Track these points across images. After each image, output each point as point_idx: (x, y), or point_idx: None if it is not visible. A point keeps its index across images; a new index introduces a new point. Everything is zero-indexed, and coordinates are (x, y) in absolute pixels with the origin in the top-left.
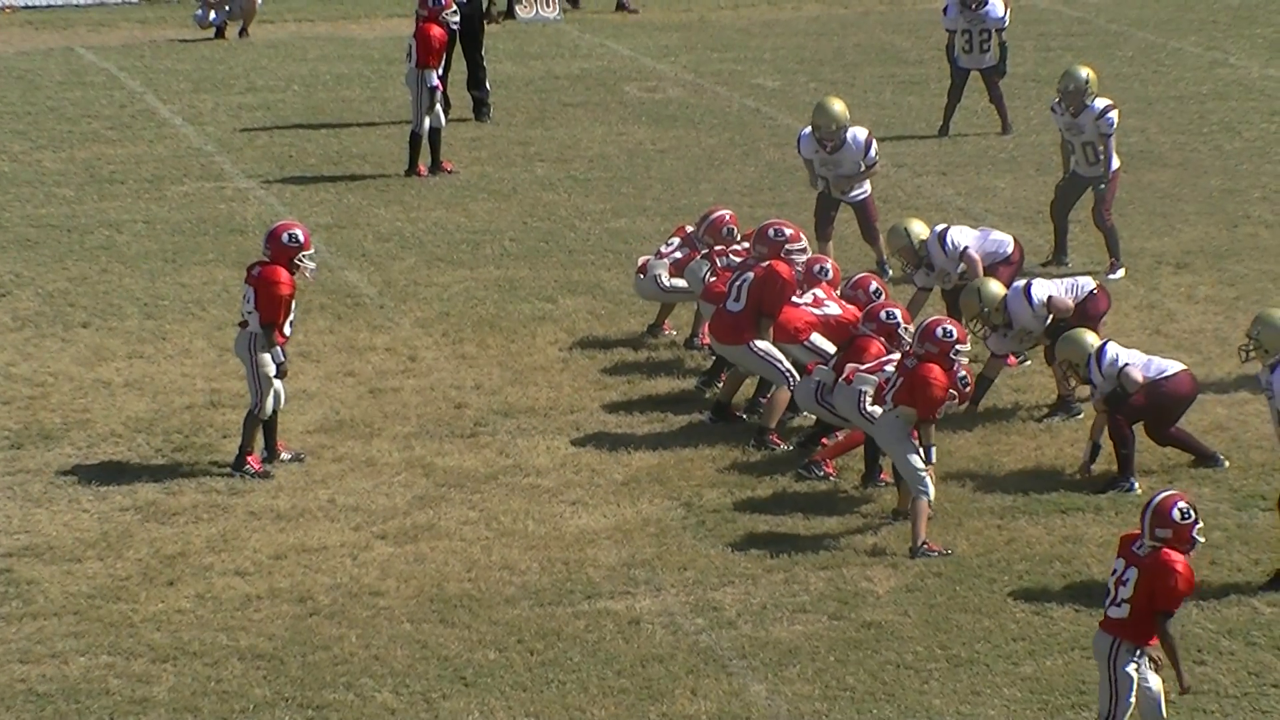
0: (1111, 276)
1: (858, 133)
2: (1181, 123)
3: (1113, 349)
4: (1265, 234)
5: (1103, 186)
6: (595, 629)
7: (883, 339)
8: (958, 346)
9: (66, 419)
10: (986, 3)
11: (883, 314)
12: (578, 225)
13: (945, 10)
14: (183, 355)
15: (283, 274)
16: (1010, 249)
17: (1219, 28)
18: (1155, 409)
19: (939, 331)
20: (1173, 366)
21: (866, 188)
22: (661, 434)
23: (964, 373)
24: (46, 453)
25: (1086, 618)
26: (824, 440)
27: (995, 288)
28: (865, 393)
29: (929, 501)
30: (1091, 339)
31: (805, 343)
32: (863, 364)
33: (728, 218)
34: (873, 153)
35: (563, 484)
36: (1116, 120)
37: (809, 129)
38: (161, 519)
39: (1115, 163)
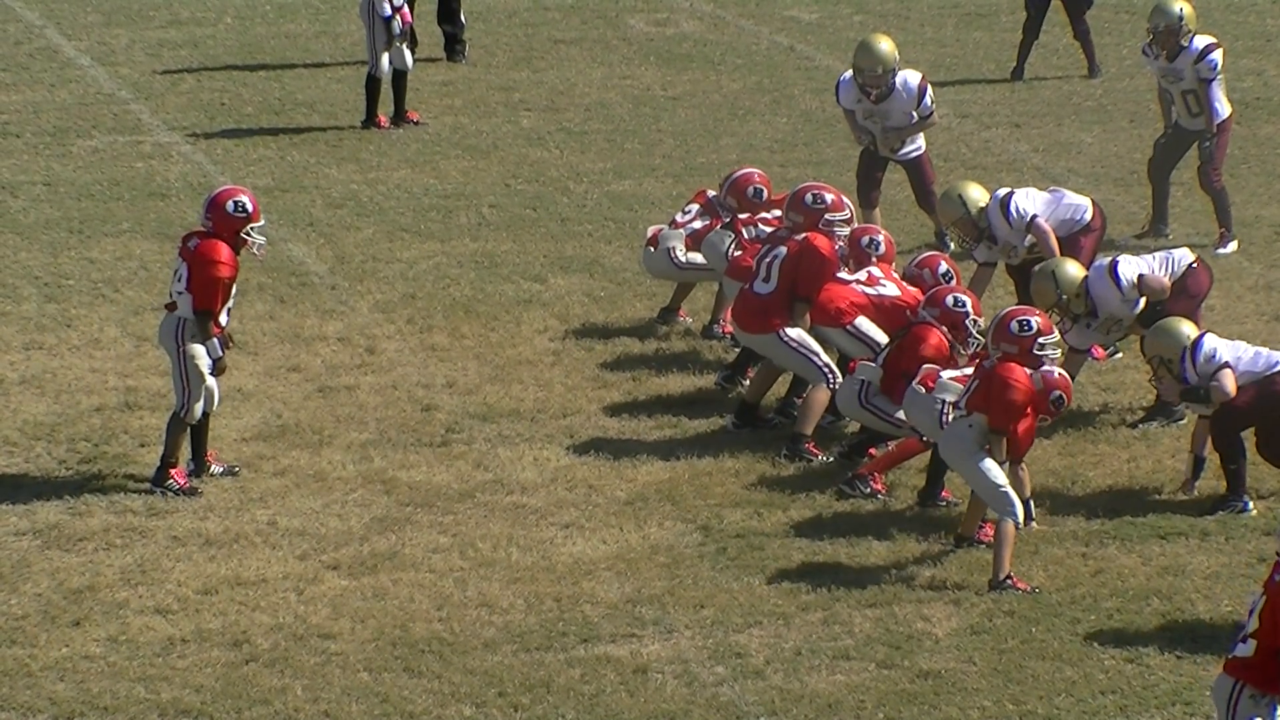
0: (1222, 250)
1: (909, 77)
2: None
3: (1211, 342)
4: None
5: (1209, 142)
6: (593, 679)
7: (945, 329)
8: (1040, 340)
9: None
10: None
11: (949, 299)
12: (572, 188)
13: None
14: (91, 346)
15: (224, 250)
16: (1089, 214)
17: None
18: (1267, 414)
19: (1013, 326)
20: None
21: (920, 143)
22: (673, 443)
23: (1059, 390)
24: None
25: (1190, 666)
26: (871, 451)
27: (1073, 269)
28: (947, 402)
29: (1017, 525)
30: (1188, 329)
31: (849, 327)
32: (920, 356)
33: (756, 178)
34: (927, 100)
35: (554, 503)
36: (1221, 62)
37: (849, 73)
38: (65, 545)
39: (1224, 112)
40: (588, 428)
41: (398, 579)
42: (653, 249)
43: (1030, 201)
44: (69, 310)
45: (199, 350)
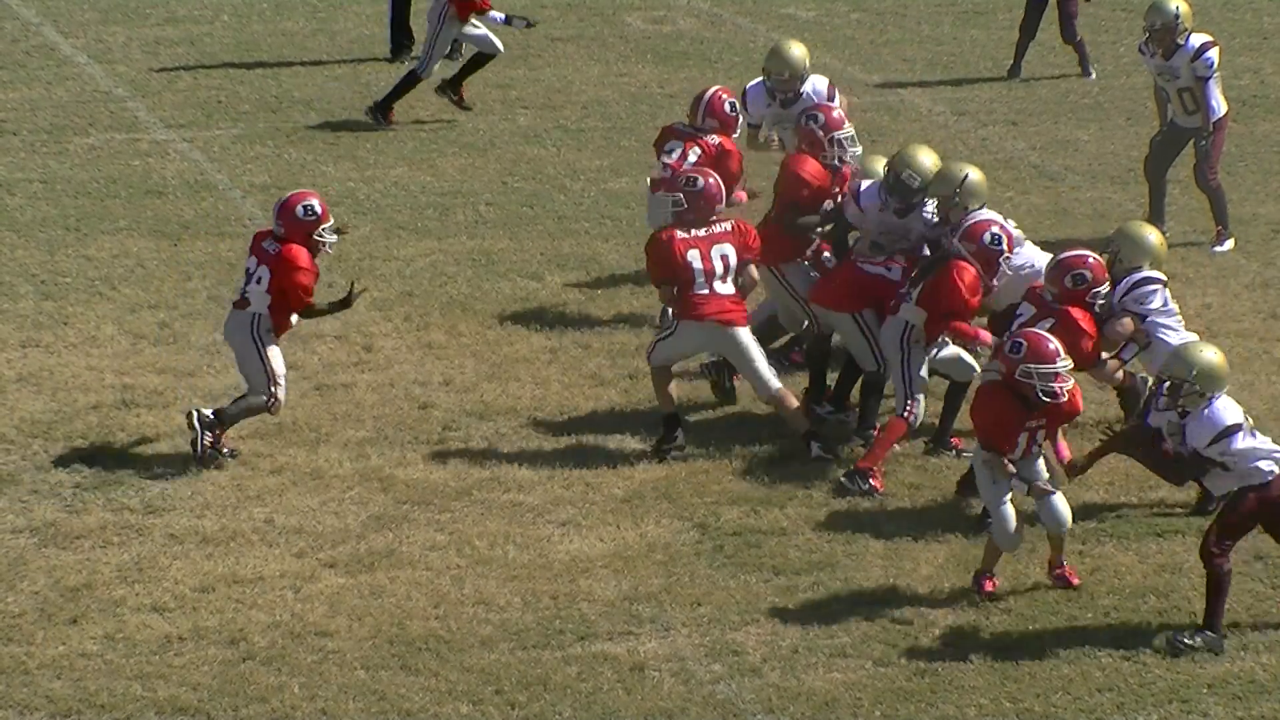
0: (1218, 248)
1: (817, 83)
2: None
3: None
4: None
5: (1205, 140)
6: (590, 677)
7: (979, 265)
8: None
9: None
10: None
11: (986, 235)
12: (569, 186)
13: None
14: (88, 344)
15: (305, 255)
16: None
17: None
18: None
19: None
20: None
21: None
22: None
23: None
24: None
25: (1187, 663)
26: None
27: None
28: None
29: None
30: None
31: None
32: (958, 295)
33: (726, 94)
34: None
35: (550, 501)
36: (1217, 60)
37: (757, 79)
38: (62, 543)
39: (1219, 110)
40: (585, 425)
41: (395, 577)
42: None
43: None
44: (66, 308)
45: (277, 351)
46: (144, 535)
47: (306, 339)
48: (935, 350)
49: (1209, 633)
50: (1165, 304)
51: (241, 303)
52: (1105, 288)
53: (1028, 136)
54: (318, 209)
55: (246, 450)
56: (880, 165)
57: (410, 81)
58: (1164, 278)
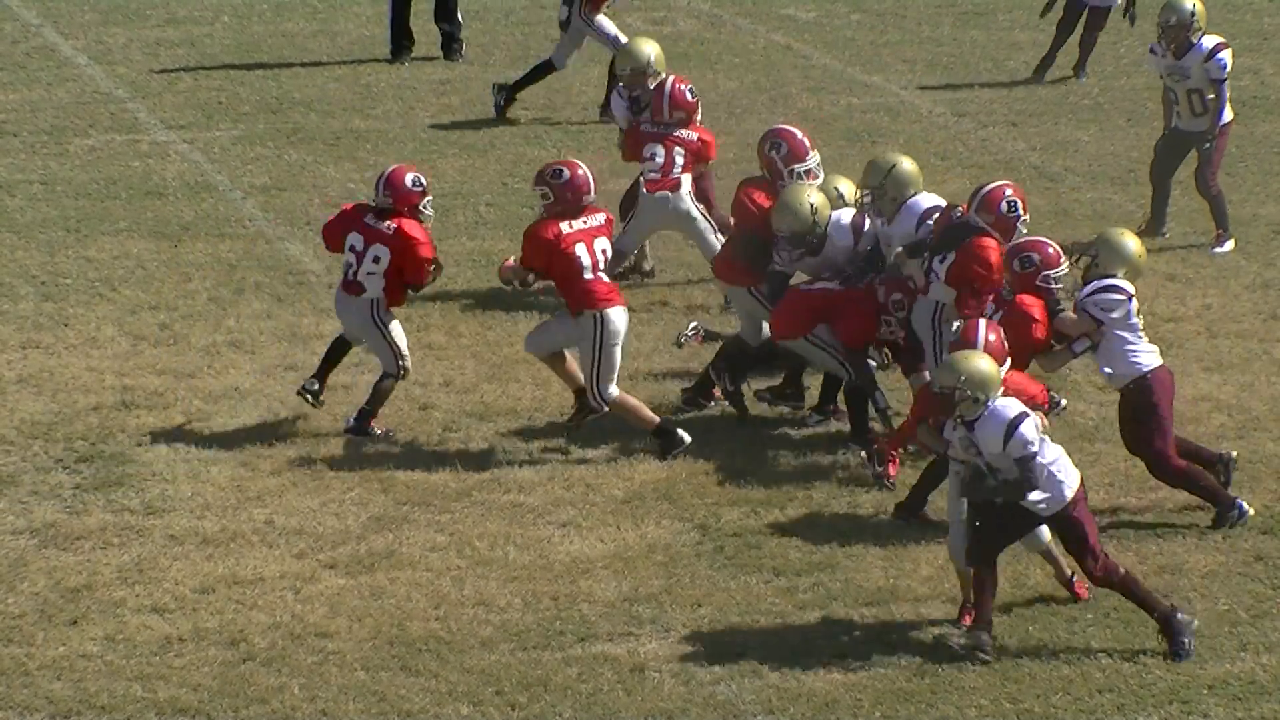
0: (1218, 249)
1: (678, 81)
2: None
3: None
4: None
5: (1209, 144)
6: (590, 678)
7: (999, 235)
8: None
9: None
10: None
11: (1004, 204)
12: None
13: None
14: (88, 345)
15: (420, 228)
16: None
17: None
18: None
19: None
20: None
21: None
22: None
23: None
24: None
25: (1187, 664)
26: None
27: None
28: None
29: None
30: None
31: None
32: (984, 269)
33: (681, 82)
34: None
35: (551, 502)
36: (1230, 62)
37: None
38: (63, 544)
39: (1226, 115)
40: (585, 426)
41: (395, 578)
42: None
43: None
44: (66, 309)
45: (397, 325)
46: (144, 536)
47: (307, 339)
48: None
49: (979, 632)
50: (1128, 316)
51: (355, 287)
52: (1059, 271)
53: (1028, 137)
54: (424, 180)
55: (247, 451)
56: (840, 184)
57: (544, 70)
58: (1132, 290)
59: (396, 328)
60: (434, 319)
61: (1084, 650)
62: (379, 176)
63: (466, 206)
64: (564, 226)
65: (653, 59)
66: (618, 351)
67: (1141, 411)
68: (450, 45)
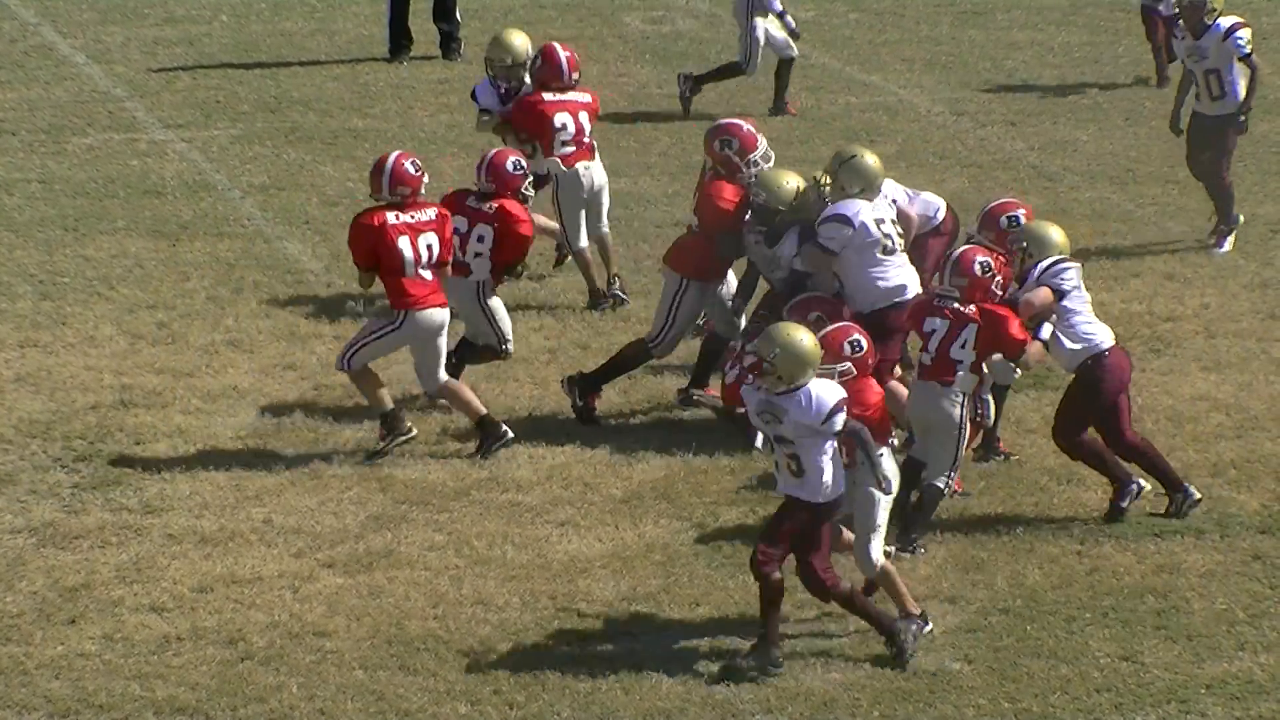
0: (1219, 250)
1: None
2: None
3: None
4: None
5: (1244, 118)
6: (588, 677)
7: (1000, 250)
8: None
9: None
10: None
11: (1003, 219)
12: None
13: None
14: (87, 344)
15: (522, 207)
16: (941, 215)
17: None
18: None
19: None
20: None
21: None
22: (669, 441)
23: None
24: None
25: (1185, 664)
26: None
27: None
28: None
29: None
30: None
31: None
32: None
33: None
34: None
35: (549, 501)
36: (1249, 43)
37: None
38: (61, 543)
39: (1241, 93)
40: (583, 426)
41: (393, 577)
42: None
43: (891, 189)
44: (64, 308)
45: (497, 300)
46: (142, 535)
47: (305, 339)
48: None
49: (768, 647)
50: (1078, 286)
51: (462, 269)
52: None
53: (1026, 137)
54: (524, 163)
55: (245, 450)
56: (786, 178)
57: (732, 71)
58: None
59: (499, 306)
60: None
61: (1082, 650)
62: (480, 162)
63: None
64: (390, 217)
65: (530, 50)
66: (438, 344)
67: (1096, 387)
68: (449, 44)
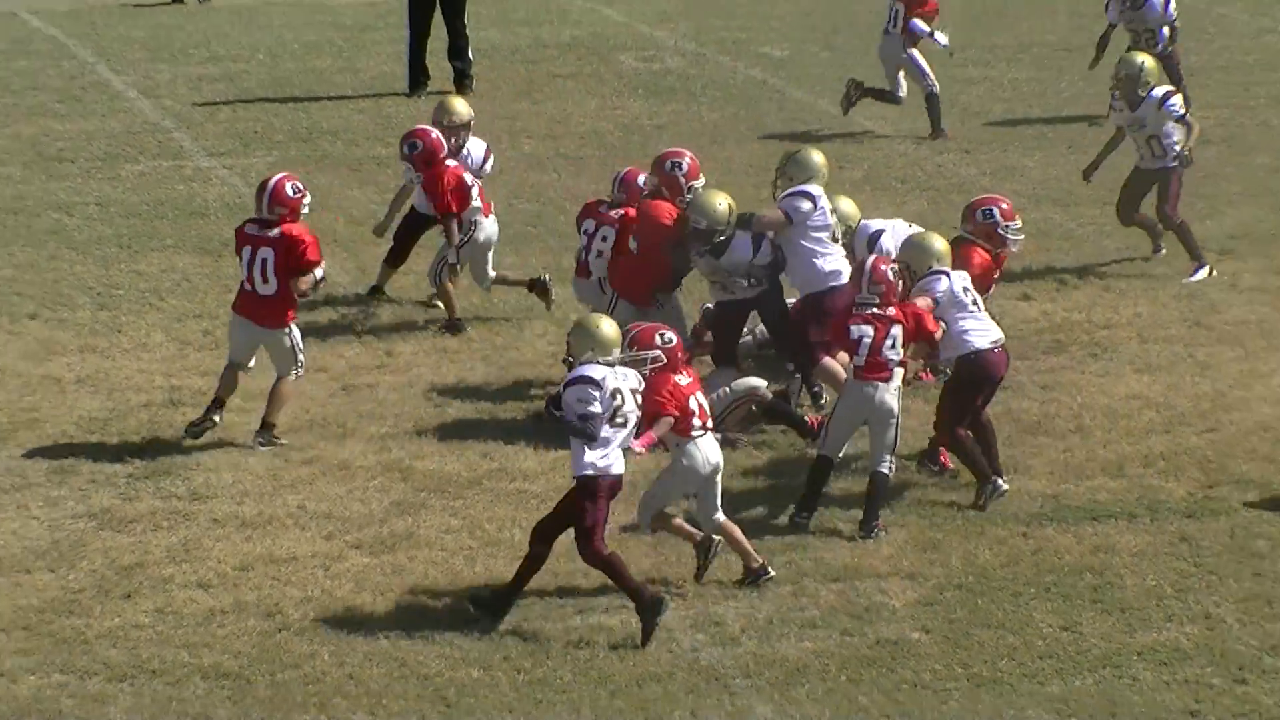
0: (1192, 278)
1: (474, 147)
2: (1226, 96)
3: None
4: None
5: (1183, 164)
6: (587, 646)
7: (984, 241)
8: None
9: (13, 418)
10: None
11: (979, 213)
12: (568, 208)
13: (1106, 7)
14: (139, 349)
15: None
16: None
17: None
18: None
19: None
20: None
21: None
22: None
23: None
24: None
25: (1119, 634)
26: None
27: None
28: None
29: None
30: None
31: None
32: (968, 272)
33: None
34: (489, 165)
35: (552, 489)
36: (1181, 106)
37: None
38: (117, 527)
39: (1176, 148)
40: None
41: (414, 556)
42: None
43: (892, 241)
44: (119, 317)
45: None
46: (190, 520)
47: (334, 344)
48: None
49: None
50: (952, 292)
51: (583, 269)
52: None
53: (979, 163)
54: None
55: (276, 446)
56: (718, 200)
57: (934, 103)
58: (951, 273)
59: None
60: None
61: (1027, 621)
62: (615, 177)
63: None
64: (249, 228)
65: (471, 114)
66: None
67: (957, 380)
68: (461, 80)
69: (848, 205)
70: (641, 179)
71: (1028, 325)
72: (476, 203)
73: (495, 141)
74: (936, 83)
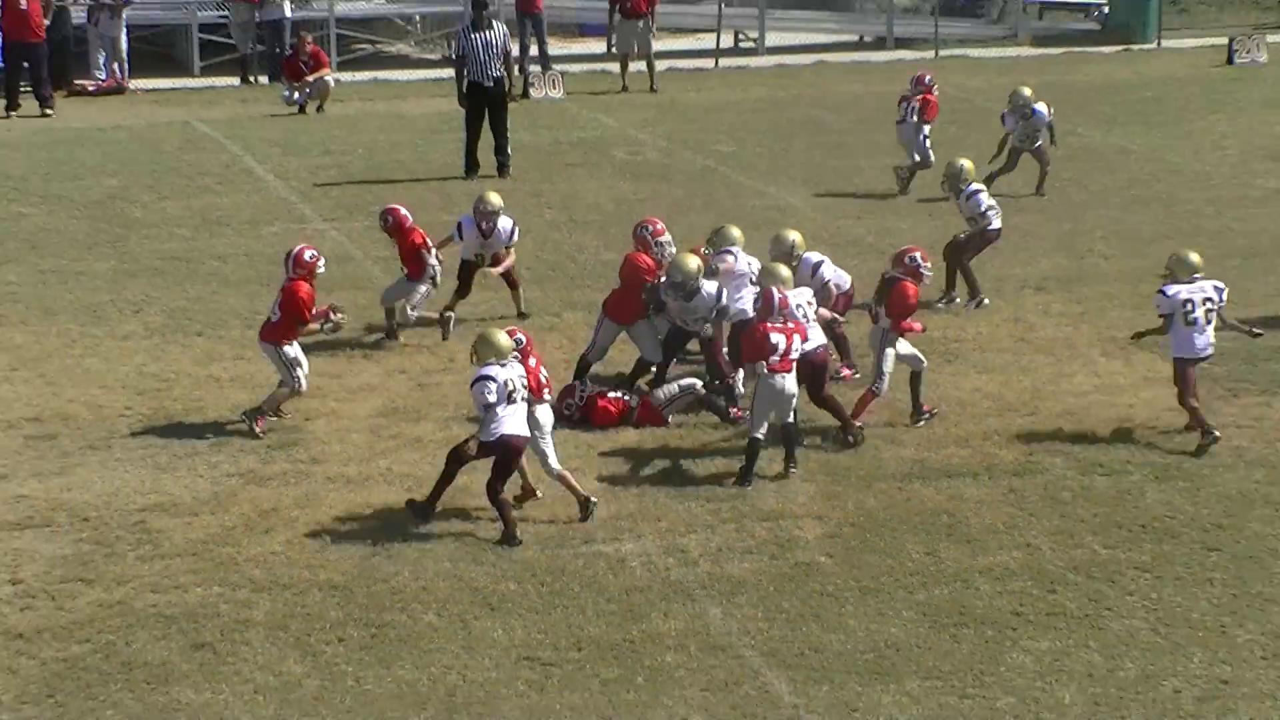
0: (975, 307)
1: (505, 222)
2: (1049, 181)
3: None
4: (1104, 264)
5: (981, 235)
6: (591, 566)
7: (911, 279)
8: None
9: (186, 406)
10: (1033, 110)
11: (907, 259)
12: (577, 257)
13: (1003, 119)
14: None
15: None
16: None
17: (1070, 106)
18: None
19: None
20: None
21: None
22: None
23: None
24: (171, 432)
25: (966, 558)
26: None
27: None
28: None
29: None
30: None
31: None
32: (907, 304)
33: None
34: (515, 236)
35: (566, 456)
36: (985, 201)
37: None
38: (259, 483)
39: (995, 224)
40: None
41: (466, 503)
42: None
43: (830, 271)
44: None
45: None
46: (309, 478)
47: (410, 353)
48: (898, 348)
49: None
50: (801, 308)
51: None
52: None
53: (866, 226)
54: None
55: (373, 424)
56: (691, 261)
57: (914, 172)
58: (776, 290)
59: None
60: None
61: (900, 549)
62: (714, 231)
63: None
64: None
65: (501, 204)
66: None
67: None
68: (502, 168)
69: (795, 235)
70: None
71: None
72: (434, 260)
73: (524, 211)
74: (930, 160)
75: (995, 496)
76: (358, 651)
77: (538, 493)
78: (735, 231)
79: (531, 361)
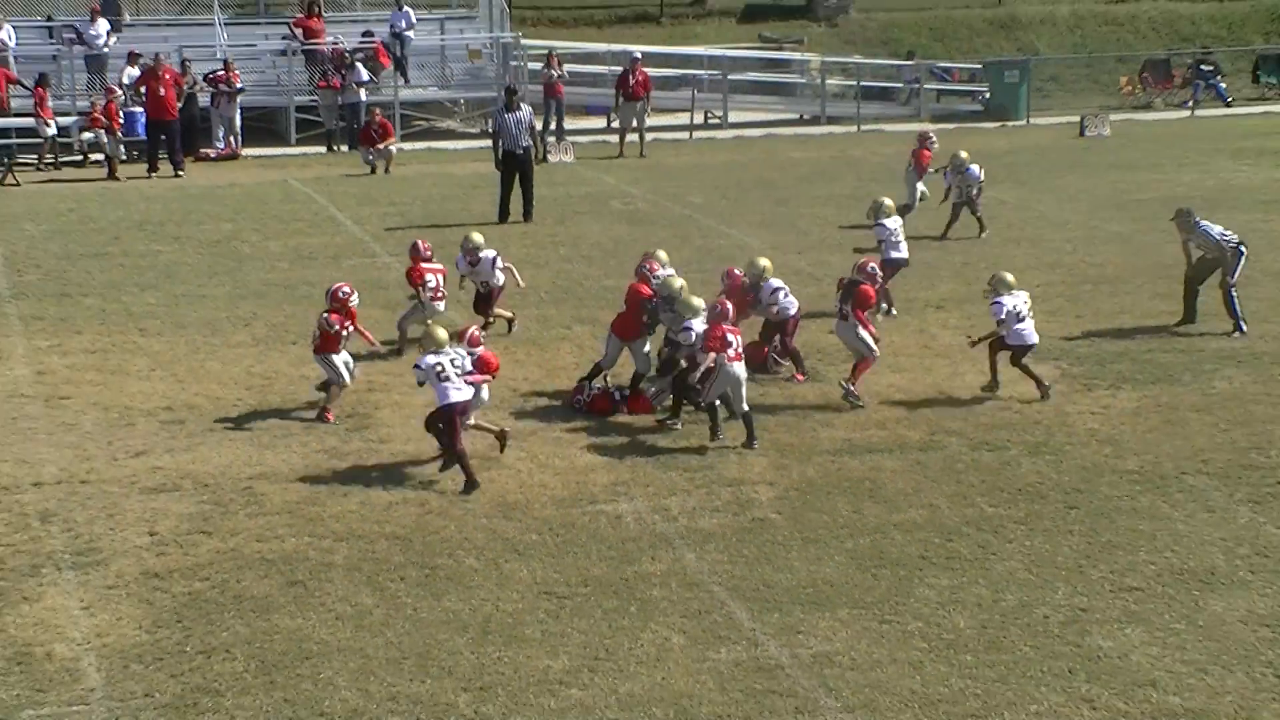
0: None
1: (489, 254)
2: (964, 229)
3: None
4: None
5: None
6: (595, 522)
7: (869, 283)
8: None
9: (284, 399)
10: (967, 169)
11: (868, 268)
12: (583, 284)
13: (945, 175)
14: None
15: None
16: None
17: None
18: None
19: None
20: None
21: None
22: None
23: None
24: (272, 417)
25: (884, 515)
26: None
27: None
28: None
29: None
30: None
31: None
32: (866, 302)
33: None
34: (498, 264)
35: (576, 435)
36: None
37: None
38: (339, 457)
39: (900, 253)
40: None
41: (500, 473)
42: None
43: (783, 298)
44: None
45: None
46: (380, 454)
47: None
48: (860, 334)
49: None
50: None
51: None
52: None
53: (806, 259)
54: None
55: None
56: (674, 283)
57: (905, 213)
58: (701, 309)
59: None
60: (519, 348)
61: (834, 508)
62: (749, 262)
63: (535, 294)
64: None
65: (483, 243)
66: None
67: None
68: (528, 216)
69: (764, 261)
70: (737, 270)
71: (832, 346)
72: (423, 290)
73: (542, 248)
74: (917, 203)
75: (905, 467)
76: (414, 587)
77: (506, 431)
78: (764, 260)
79: (481, 348)
